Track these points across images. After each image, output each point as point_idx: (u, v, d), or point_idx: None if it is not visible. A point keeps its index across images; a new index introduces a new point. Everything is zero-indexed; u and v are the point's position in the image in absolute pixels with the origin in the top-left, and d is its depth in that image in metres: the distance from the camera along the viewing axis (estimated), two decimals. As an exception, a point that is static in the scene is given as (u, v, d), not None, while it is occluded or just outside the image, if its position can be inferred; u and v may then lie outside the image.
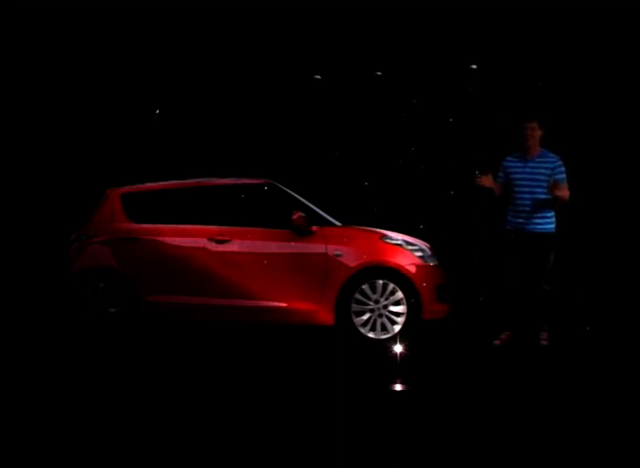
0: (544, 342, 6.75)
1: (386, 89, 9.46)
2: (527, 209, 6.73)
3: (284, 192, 7.27)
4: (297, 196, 7.30)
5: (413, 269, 6.90)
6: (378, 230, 7.15)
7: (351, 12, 9.15)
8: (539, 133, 6.73)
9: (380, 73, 9.46)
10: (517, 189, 6.78)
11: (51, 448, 3.88)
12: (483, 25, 9.01)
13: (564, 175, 6.65)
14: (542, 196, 6.66)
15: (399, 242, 7.02)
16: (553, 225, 6.78)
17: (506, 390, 5.17)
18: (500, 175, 6.89)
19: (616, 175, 8.78)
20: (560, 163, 6.69)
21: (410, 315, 6.83)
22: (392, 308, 6.86)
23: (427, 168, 9.35)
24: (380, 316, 6.86)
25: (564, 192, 6.60)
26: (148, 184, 7.62)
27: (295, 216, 6.96)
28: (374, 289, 6.87)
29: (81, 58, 9.48)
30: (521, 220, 6.77)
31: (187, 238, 7.17)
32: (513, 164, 6.83)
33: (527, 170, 6.73)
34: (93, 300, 7.15)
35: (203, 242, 7.11)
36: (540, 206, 6.69)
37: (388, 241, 7.01)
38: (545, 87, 8.95)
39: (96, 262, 7.24)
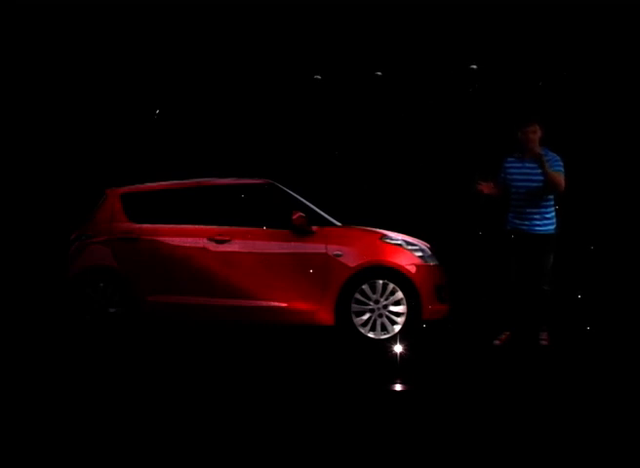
0: (544, 342, 6.76)
1: (386, 89, 9.46)
2: (526, 209, 6.74)
3: (284, 192, 7.27)
4: (297, 196, 7.29)
5: (413, 269, 6.89)
6: (378, 230, 7.15)
7: (351, 12, 9.15)
8: (539, 134, 6.74)
9: (380, 73, 9.46)
10: (516, 190, 6.79)
11: (51, 447, 3.88)
12: (483, 25, 9.01)
13: (559, 168, 6.65)
14: (540, 194, 6.68)
15: (399, 242, 7.02)
16: (553, 226, 6.79)
17: (506, 390, 5.17)
18: (501, 175, 6.90)
19: (616, 176, 8.78)
20: (557, 158, 6.70)
21: (410, 315, 6.82)
22: (392, 308, 6.85)
23: (427, 168, 9.35)
24: (380, 316, 6.86)
25: (557, 177, 6.59)
26: (148, 184, 7.63)
27: (295, 216, 6.96)
28: (374, 289, 6.87)
29: (81, 58, 9.48)
30: (521, 221, 6.78)
31: (187, 238, 7.17)
32: (512, 164, 6.84)
33: (525, 170, 6.74)
34: (93, 300, 7.15)
35: (203, 242, 7.11)
36: (536, 199, 6.69)
37: (388, 241, 7.02)
38: (545, 87, 8.95)
39: (96, 262, 7.24)
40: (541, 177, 6.65)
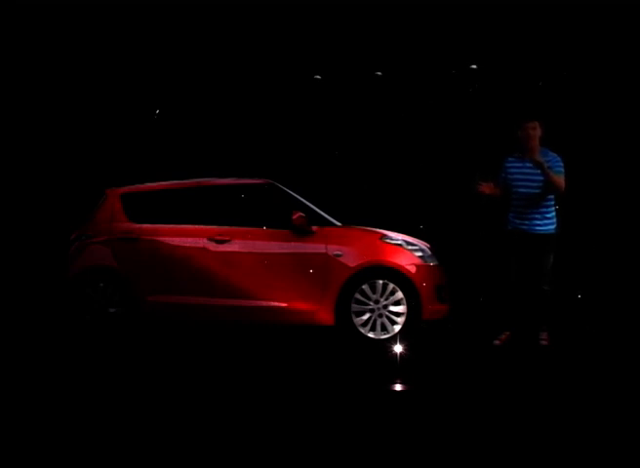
0: (544, 342, 6.76)
1: (386, 89, 9.46)
2: (526, 209, 6.74)
3: (284, 192, 7.27)
4: (297, 196, 7.29)
5: (413, 269, 6.89)
6: (378, 230, 7.15)
7: (351, 12, 9.15)
8: (539, 132, 6.74)
9: (380, 73, 9.46)
10: (516, 189, 6.79)
11: (51, 447, 3.88)
12: (483, 25, 9.01)
13: (560, 169, 6.65)
14: (540, 194, 6.69)
15: (399, 242, 7.02)
16: (554, 226, 6.79)
17: (506, 390, 5.17)
18: (502, 175, 6.90)
19: (616, 176, 8.78)
20: (558, 159, 6.70)
21: (410, 315, 6.82)
22: (392, 308, 6.85)
23: (427, 168, 9.35)
24: (380, 316, 6.86)
25: (559, 180, 6.60)
26: (148, 184, 7.62)
27: (295, 216, 6.96)
28: (374, 289, 6.87)
29: (81, 57, 9.48)
30: (521, 221, 6.78)
31: (187, 238, 7.17)
32: (513, 164, 6.84)
33: (525, 170, 6.74)
34: (93, 300, 7.15)
35: (203, 242, 7.11)
36: (537, 199, 6.69)
37: (388, 241, 7.01)
38: (545, 87, 8.95)
39: (96, 262, 7.24)
40: (542, 177, 6.65)
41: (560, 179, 6.62)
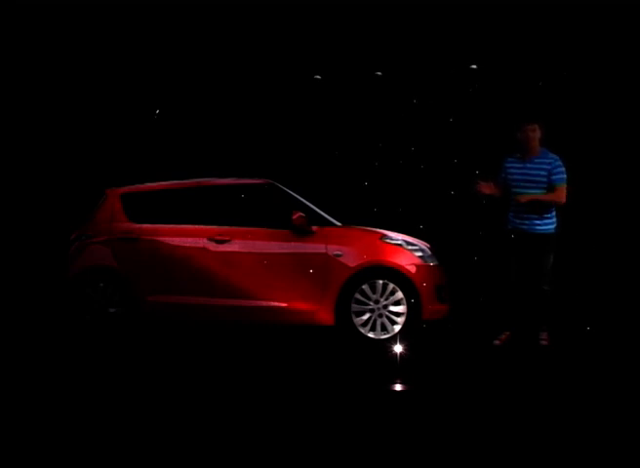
0: (544, 342, 6.76)
1: (386, 89, 9.46)
2: (526, 209, 6.74)
3: (284, 192, 7.27)
4: (297, 196, 7.30)
5: (413, 269, 6.89)
6: (378, 230, 7.15)
7: (351, 12, 9.15)
8: (539, 133, 6.74)
9: (380, 73, 9.46)
10: (516, 190, 6.79)
11: (51, 447, 3.88)
12: (483, 25, 9.01)
13: (562, 176, 6.66)
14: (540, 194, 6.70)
15: (399, 242, 7.02)
16: (553, 226, 6.79)
17: (506, 390, 5.17)
18: (501, 175, 6.90)
19: (616, 176, 8.78)
20: (559, 163, 6.70)
21: (410, 315, 6.82)
22: (392, 308, 6.85)
23: (427, 168, 9.35)
24: (380, 316, 6.86)
25: (555, 195, 6.62)
26: (148, 184, 7.63)
27: (295, 216, 6.96)
28: (374, 289, 6.87)
29: (81, 57, 9.48)
30: (521, 221, 6.78)
31: (187, 238, 7.17)
32: (513, 164, 6.84)
33: (525, 171, 6.74)
34: (93, 300, 7.15)
35: (203, 242, 7.11)
36: (537, 206, 6.70)
37: (388, 241, 7.02)
38: (545, 87, 8.95)
39: (96, 262, 7.24)
40: (540, 178, 6.67)
41: (558, 193, 6.63)
